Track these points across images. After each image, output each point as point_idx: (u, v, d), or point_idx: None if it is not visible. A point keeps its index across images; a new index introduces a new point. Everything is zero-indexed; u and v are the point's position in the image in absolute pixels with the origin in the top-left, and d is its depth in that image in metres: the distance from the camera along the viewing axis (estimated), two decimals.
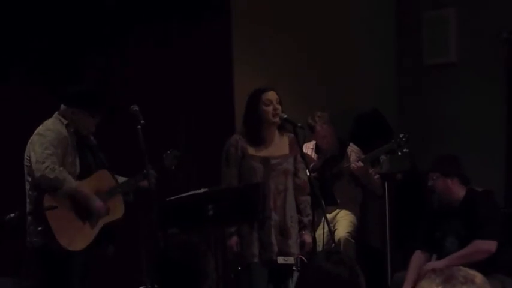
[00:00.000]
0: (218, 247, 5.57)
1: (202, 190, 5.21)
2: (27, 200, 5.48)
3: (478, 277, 2.24)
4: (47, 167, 5.30)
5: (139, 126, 5.53)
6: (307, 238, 5.67)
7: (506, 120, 7.23)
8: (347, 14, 8.08)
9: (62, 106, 5.57)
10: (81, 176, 5.50)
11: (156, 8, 7.13)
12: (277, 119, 5.59)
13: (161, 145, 6.06)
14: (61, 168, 5.36)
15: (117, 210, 5.62)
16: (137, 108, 5.59)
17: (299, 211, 5.73)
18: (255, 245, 5.55)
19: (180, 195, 5.17)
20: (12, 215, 5.14)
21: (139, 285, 6.03)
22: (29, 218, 5.41)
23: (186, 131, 7.19)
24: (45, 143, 5.39)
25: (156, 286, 3.69)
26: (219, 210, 5.14)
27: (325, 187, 6.57)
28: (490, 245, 5.48)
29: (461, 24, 7.71)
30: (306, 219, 5.70)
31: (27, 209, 5.44)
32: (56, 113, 5.57)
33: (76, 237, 5.42)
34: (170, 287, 3.44)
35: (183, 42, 7.23)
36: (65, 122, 5.51)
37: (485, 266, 4.99)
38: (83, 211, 5.46)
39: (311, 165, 7.01)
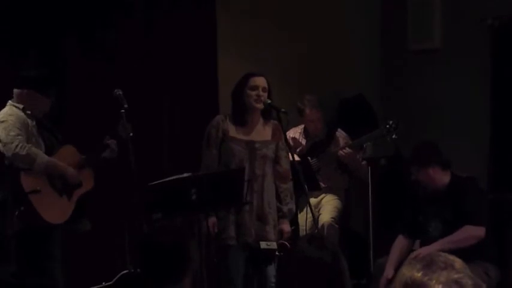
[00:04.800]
0: (201, 231, 5.57)
1: (186, 174, 5.21)
2: None
3: (458, 262, 2.26)
4: (17, 145, 5.33)
5: (122, 110, 5.54)
6: (286, 227, 5.69)
7: (490, 106, 7.24)
8: None
9: (15, 91, 5.59)
10: (47, 154, 5.51)
11: None
12: (259, 105, 5.58)
13: (145, 129, 6.05)
14: (30, 145, 5.39)
15: (88, 181, 5.69)
16: (120, 92, 5.60)
17: (279, 199, 5.72)
18: (231, 227, 5.55)
19: (163, 180, 5.17)
20: None
21: (122, 269, 6.04)
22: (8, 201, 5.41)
23: (170, 114, 7.17)
24: (7, 127, 5.41)
25: (138, 270, 3.69)
26: (202, 194, 5.15)
27: (308, 172, 6.58)
28: (481, 231, 5.47)
29: (445, 10, 7.71)
30: (285, 208, 5.70)
31: None
32: (9, 101, 5.58)
33: (57, 211, 5.48)
34: (154, 271, 3.44)
35: (167, 25, 7.20)
36: (21, 106, 5.53)
37: (468, 252, 5.00)
38: (58, 185, 5.51)
39: (298, 149, 7.03)
